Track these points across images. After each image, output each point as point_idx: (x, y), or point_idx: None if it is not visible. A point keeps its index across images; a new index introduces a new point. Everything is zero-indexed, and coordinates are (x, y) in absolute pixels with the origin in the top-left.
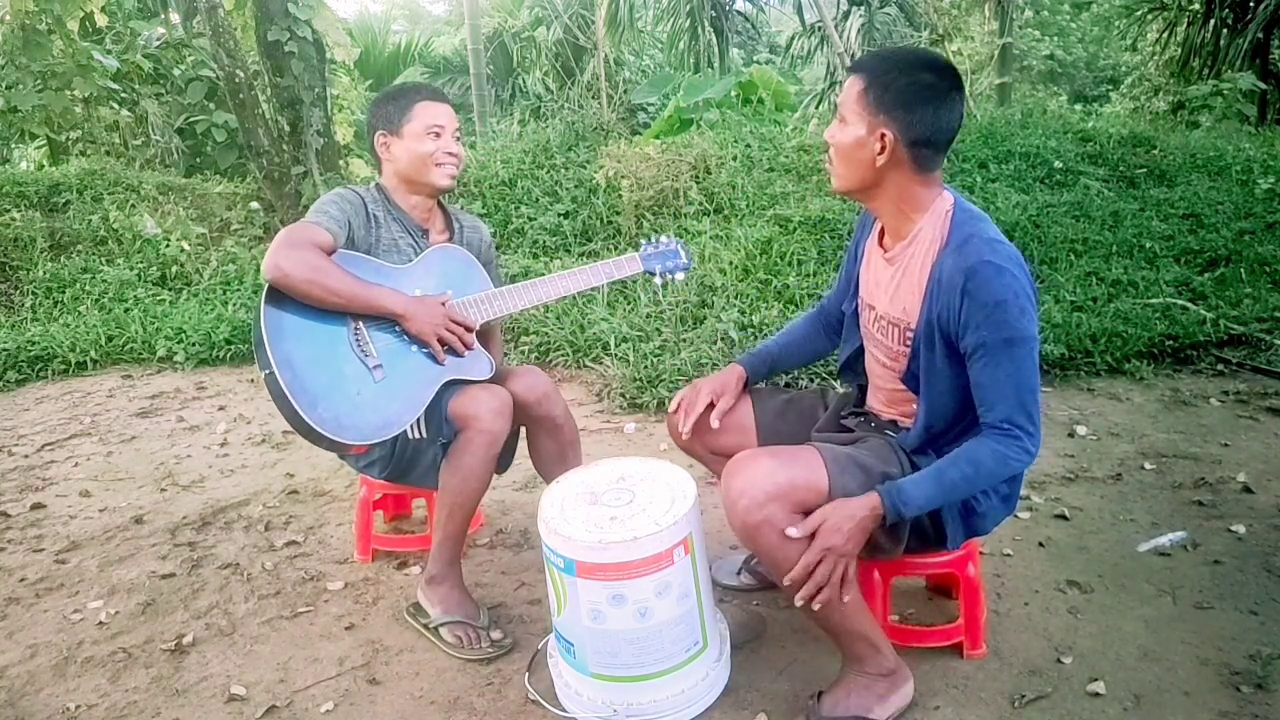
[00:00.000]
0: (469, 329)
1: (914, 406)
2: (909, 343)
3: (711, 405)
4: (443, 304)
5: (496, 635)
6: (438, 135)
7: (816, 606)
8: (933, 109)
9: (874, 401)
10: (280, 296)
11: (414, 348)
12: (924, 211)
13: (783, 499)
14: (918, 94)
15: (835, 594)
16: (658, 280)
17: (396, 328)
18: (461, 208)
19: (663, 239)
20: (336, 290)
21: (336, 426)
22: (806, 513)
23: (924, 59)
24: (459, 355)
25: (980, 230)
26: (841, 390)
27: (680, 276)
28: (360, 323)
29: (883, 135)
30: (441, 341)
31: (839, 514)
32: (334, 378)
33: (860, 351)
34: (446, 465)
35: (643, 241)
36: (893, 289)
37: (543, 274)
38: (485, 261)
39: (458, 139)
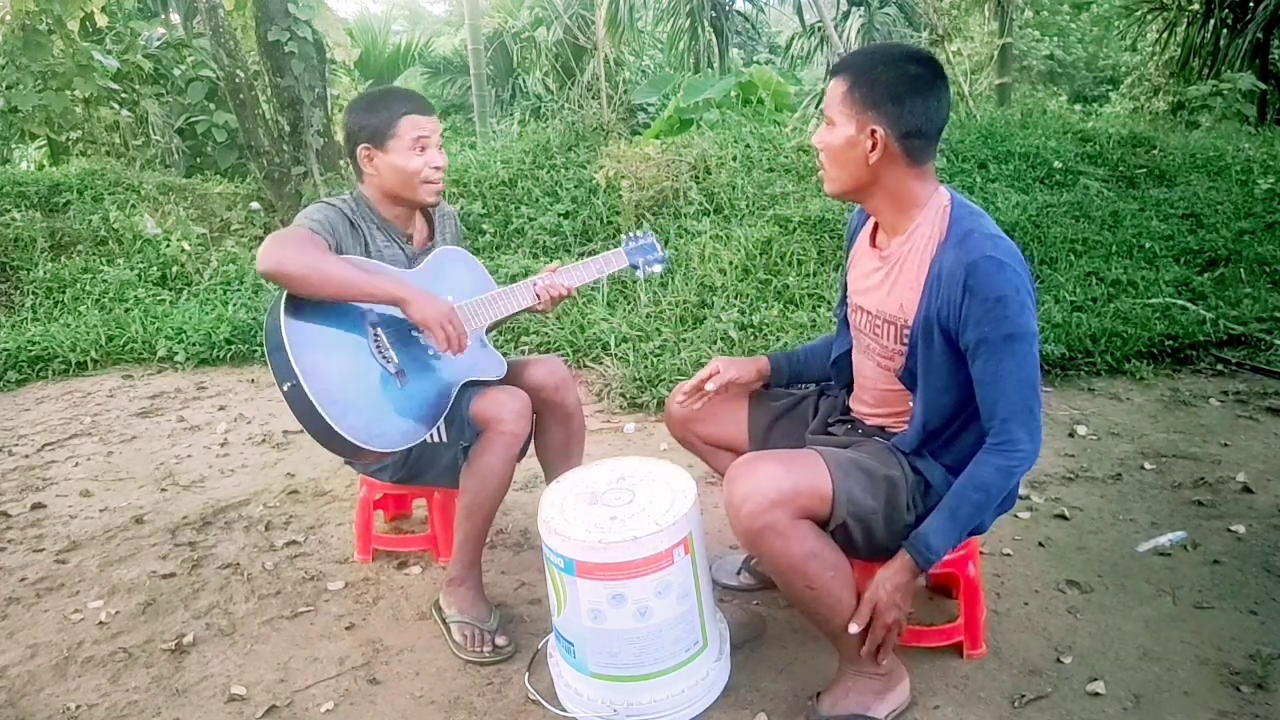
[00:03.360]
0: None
1: (906, 407)
2: (906, 340)
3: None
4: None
5: (501, 641)
6: (424, 149)
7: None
8: (921, 99)
9: (861, 405)
10: (299, 307)
11: (430, 352)
12: (921, 206)
13: (786, 505)
14: (904, 85)
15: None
16: (639, 274)
17: (413, 331)
18: (461, 208)
19: (638, 234)
20: (332, 276)
21: (367, 435)
22: (809, 518)
23: (905, 52)
24: (456, 355)
25: (981, 226)
26: (828, 394)
27: (658, 270)
28: (379, 329)
29: (873, 131)
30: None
31: (884, 589)
32: (363, 386)
33: (850, 352)
34: (467, 467)
35: (624, 236)
36: (888, 286)
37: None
38: (455, 241)
39: (440, 147)
